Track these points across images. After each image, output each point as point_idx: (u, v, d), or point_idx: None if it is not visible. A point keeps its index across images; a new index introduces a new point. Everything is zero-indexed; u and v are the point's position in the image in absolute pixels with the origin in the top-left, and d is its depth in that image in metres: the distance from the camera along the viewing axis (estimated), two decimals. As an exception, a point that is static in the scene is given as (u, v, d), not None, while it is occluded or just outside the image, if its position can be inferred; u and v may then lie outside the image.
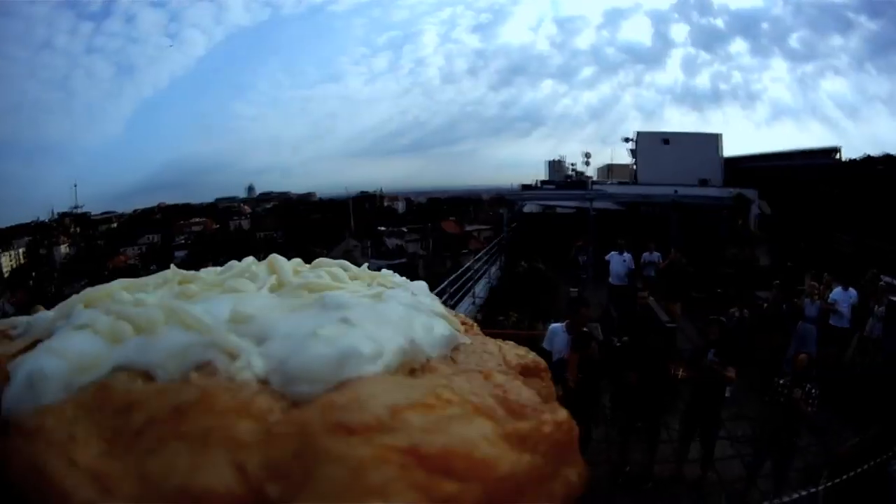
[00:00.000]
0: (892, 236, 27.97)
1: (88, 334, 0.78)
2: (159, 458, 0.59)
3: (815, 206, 35.22)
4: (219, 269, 1.04)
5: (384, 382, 0.68)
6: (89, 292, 0.90)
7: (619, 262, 19.36)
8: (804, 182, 41.44)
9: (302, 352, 0.70)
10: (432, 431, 0.60)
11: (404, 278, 1.10)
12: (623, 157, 49.94)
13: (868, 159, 41.96)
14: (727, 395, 10.45)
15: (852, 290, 15.21)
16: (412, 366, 0.77)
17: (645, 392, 10.32)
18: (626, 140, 46.92)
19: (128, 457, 0.61)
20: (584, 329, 9.56)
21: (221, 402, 0.64)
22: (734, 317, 14.32)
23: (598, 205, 30.37)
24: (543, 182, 45.34)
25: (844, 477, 9.48)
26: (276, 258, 1.04)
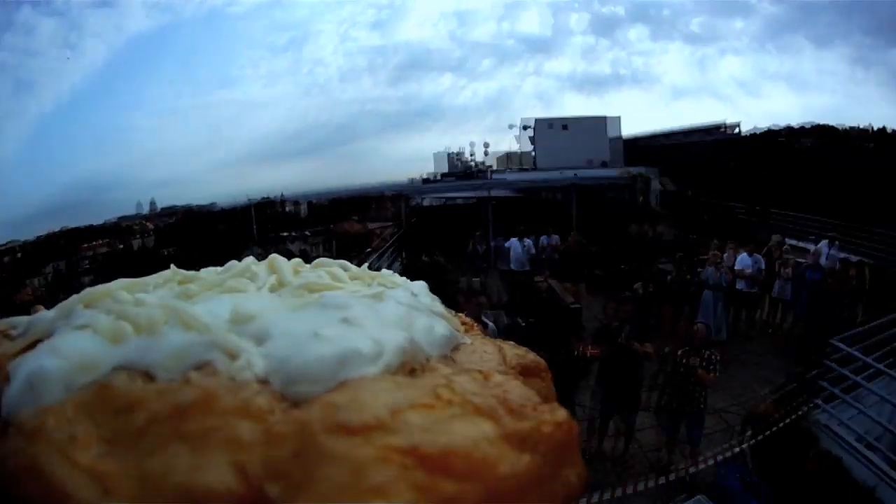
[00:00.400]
0: (796, 204, 29.10)
1: (88, 334, 0.78)
2: (159, 458, 0.60)
3: (717, 178, 36.29)
4: (219, 269, 1.04)
5: (384, 382, 0.68)
6: (89, 292, 0.90)
7: (519, 248, 19.84)
8: (705, 157, 42.65)
9: (302, 352, 0.71)
10: (432, 431, 0.61)
11: (404, 278, 1.10)
12: (523, 144, 50.56)
13: (769, 132, 43.48)
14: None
15: (757, 256, 15.82)
16: (412, 366, 0.77)
17: (554, 372, 10.14)
18: (525, 128, 47.46)
19: (128, 457, 0.61)
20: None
21: (222, 403, 0.64)
22: (638, 293, 14.66)
23: (495, 193, 30.72)
24: (443, 175, 45.57)
25: (767, 433, 9.96)
26: (276, 258, 1.05)
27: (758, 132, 44.35)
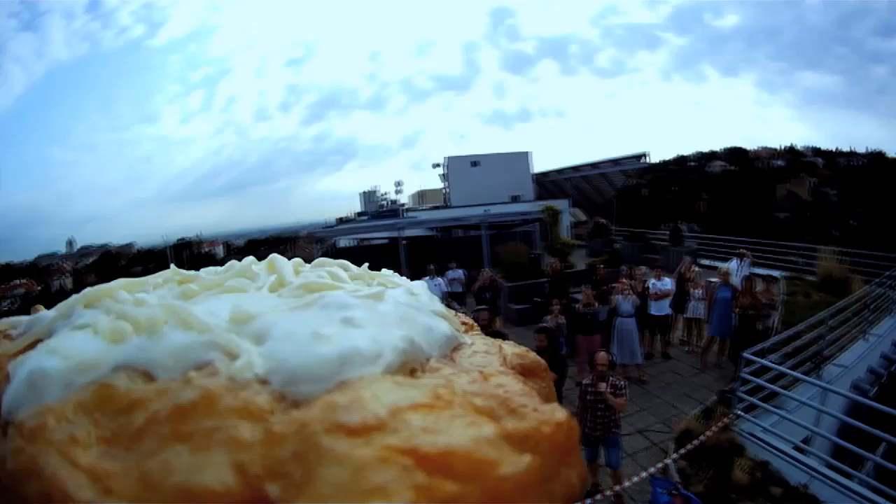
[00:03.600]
0: (709, 224, 30.01)
1: (89, 334, 0.78)
2: (159, 458, 0.59)
3: (628, 206, 37.19)
4: (219, 268, 1.04)
5: (384, 382, 0.68)
6: (89, 292, 0.90)
7: (431, 286, 19.80)
8: (614, 187, 43.69)
9: (302, 352, 0.71)
10: (433, 432, 0.61)
11: (404, 278, 1.11)
12: (435, 182, 51.07)
13: (680, 158, 44.83)
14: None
15: (667, 279, 16.16)
16: (412, 366, 0.77)
17: None
18: (436, 165, 48.00)
19: (128, 457, 0.61)
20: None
21: (222, 402, 0.64)
22: (550, 326, 14.91)
23: (409, 232, 30.74)
24: (358, 214, 45.60)
25: (691, 446, 10.27)
26: (276, 258, 1.05)
27: (668, 160, 45.72)
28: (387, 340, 0.75)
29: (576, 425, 0.71)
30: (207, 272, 1.01)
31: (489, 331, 11.55)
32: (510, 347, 0.96)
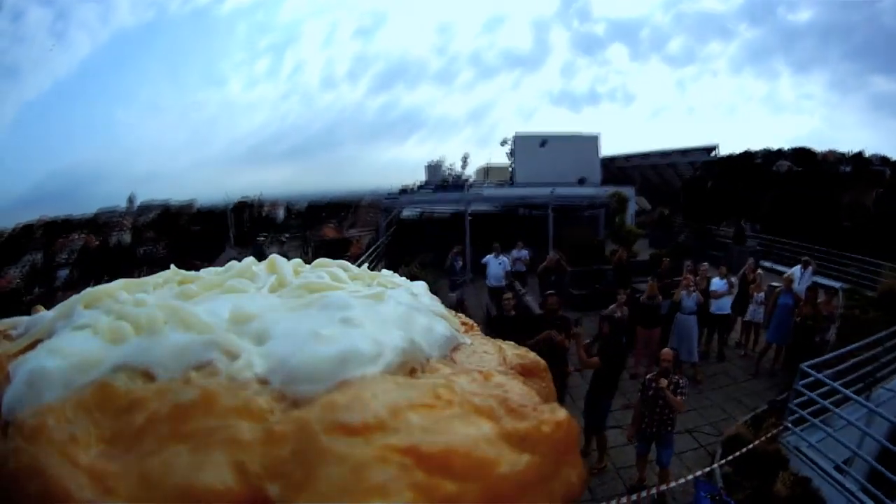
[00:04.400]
0: (772, 225, 29.36)
1: (89, 334, 0.78)
2: (159, 458, 0.59)
3: (693, 199, 36.51)
4: (219, 269, 1.04)
5: (384, 382, 0.68)
6: (89, 292, 0.89)
7: (495, 264, 20.15)
8: (681, 178, 42.98)
9: (302, 351, 0.71)
10: (432, 431, 0.61)
11: (404, 278, 1.11)
12: (501, 159, 50.57)
13: (746, 154, 43.81)
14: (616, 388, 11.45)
15: (732, 278, 15.88)
16: (412, 366, 0.77)
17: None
18: (503, 143, 47.55)
19: (128, 457, 0.61)
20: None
21: (222, 402, 0.64)
22: (615, 316, 14.80)
23: (474, 208, 30.52)
24: (421, 185, 45.44)
25: (737, 454, 10.15)
26: (276, 258, 1.05)
27: (735, 154, 44.69)
28: (387, 340, 0.75)
29: (575, 425, 0.71)
30: (207, 272, 1.02)
31: (556, 316, 11.81)
32: (510, 348, 0.96)
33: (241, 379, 0.68)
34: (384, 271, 1.11)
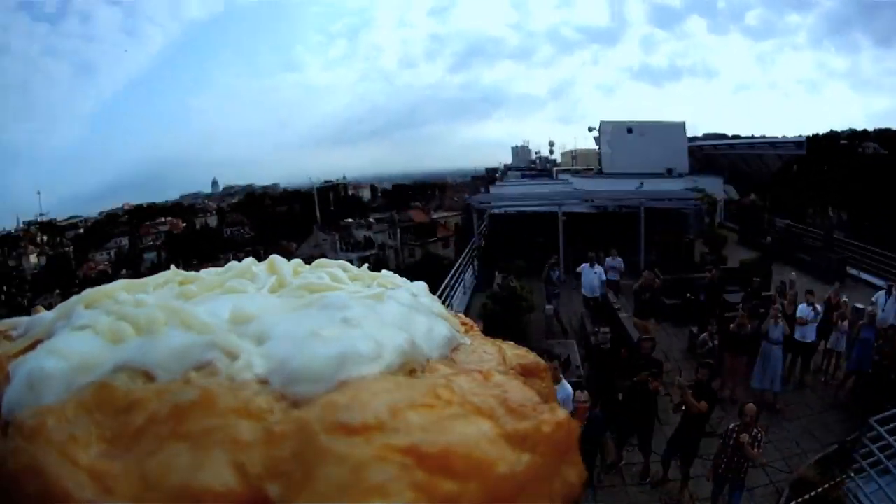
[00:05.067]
0: (858, 212, 28.51)
1: (89, 334, 0.78)
2: (159, 458, 0.59)
3: (780, 188, 35.68)
4: (219, 269, 1.04)
5: (384, 382, 0.68)
6: (89, 293, 0.90)
7: (591, 274, 20.27)
8: (770, 168, 42.14)
9: (302, 352, 0.71)
10: (432, 431, 0.61)
11: (404, 279, 1.11)
12: (587, 142, 50.35)
13: (831, 134, 42.69)
14: (708, 429, 12.18)
15: (818, 305, 15.66)
16: (412, 366, 0.77)
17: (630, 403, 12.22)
18: (591, 129, 47.30)
19: (128, 457, 0.61)
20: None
21: (222, 402, 0.64)
22: (706, 343, 15.26)
23: (567, 208, 30.19)
24: (508, 167, 45.28)
25: (806, 497, 10.29)
26: (276, 259, 1.05)
27: (819, 135, 43.61)
28: (387, 341, 0.76)
29: (575, 425, 0.71)
30: (208, 273, 1.02)
31: (649, 359, 12.17)
32: (510, 348, 0.96)
33: (240, 379, 0.69)
34: (384, 272, 1.11)
